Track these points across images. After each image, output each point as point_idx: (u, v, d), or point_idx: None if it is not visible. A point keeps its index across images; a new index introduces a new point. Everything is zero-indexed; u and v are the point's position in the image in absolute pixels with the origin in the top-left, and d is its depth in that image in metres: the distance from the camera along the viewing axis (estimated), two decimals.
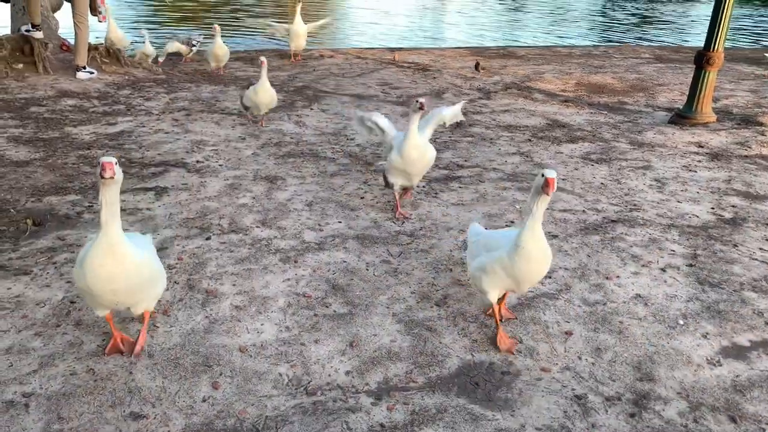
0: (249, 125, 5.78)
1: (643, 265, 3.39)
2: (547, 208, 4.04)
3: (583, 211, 4.11)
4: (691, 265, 3.42)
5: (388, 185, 3.88)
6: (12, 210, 3.70)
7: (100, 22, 7.50)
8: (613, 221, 3.96)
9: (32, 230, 3.47)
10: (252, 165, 4.70)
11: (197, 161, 4.72)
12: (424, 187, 4.41)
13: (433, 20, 20.29)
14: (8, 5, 7.98)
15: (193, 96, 6.76)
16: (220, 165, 4.66)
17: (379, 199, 4.15)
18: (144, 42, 8.21)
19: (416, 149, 3.60)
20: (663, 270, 3.35)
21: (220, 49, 7.88)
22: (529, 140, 5.69)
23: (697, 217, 4.09)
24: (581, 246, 3.58)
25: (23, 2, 7.74)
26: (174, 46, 8.52)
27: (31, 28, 7.29)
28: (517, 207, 4.10)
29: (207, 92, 6.98)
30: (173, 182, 4.27)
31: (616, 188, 4.54)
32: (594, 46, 13.82)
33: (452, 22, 19.61)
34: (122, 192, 4.04)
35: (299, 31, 8.94)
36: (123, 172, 4.35)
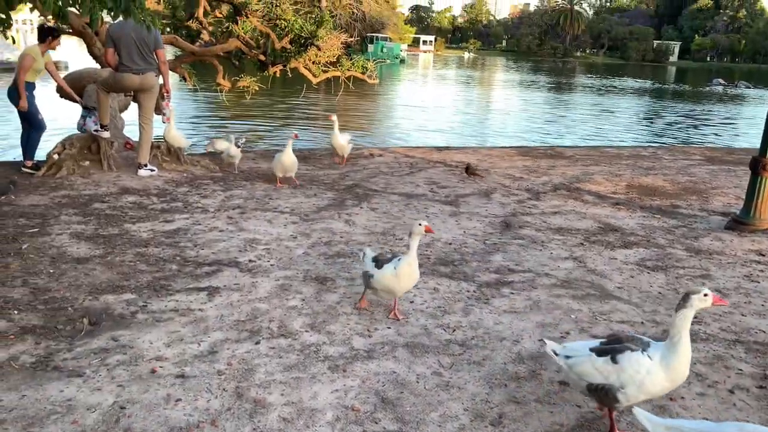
0: (301, 224, 5.88)
1: (709, 386, 3.20)
2: (605, 319, 3.92)
3: (642, 322, 3.96)
4: (761, 387, 3.21)
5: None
6: (70, 308, 3.78)
7: (163, 122, 7.92)
8: None
9: (87, 330, 3.52)
10: (302, 265, 4.74)
11: (249, 260, 4.79)
12: (474, 292, 4.35)
13: (479, 119, 20.76)
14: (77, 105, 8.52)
15: (248, 194, 6.96)
16: (271, 264, 4.71)
17: (429, 304, 4.10)
18: (230, 143, 8.38)
19: (410, 267, 3.66)
20: (731, 392, 3.16)
21: (288, 158, 7.35)
22: (582, 244, 5.61)
23: (764, 332, 3.89)
24: None
25: (94, 103, 8.27)
26: (222, 146, 8.66)
27: (99, 128, 7.75)
28: (572, 317, 3.98)
29: (261, 190, 7.18)
30: (226, 282, 4.33)
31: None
32: (643, 146, 13.84)
33: (499, 121, 20.03)
34: (176, 291, 4.12)
35: (337, 143, 9.11)
36: (177, 271, 4.48)
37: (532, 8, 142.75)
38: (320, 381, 3.08)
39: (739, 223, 6.27)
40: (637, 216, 6.78)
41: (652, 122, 21.61)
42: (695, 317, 3.98)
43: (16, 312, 3.69)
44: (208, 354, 3.31)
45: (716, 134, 19.11)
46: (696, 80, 56.06)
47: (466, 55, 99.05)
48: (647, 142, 16.30)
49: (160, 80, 7.87)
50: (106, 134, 7.78)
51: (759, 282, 4.75)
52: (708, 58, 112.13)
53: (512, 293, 4.36)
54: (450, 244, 5.48)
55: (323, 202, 6.81)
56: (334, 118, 8.94)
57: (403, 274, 3.64)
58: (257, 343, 3.45)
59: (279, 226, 5.76)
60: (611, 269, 4.94)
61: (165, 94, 7.68)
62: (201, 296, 4.06)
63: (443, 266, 4.86)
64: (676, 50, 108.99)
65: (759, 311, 4.20)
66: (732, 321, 4.04)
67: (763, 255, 5.43)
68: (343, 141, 9.13)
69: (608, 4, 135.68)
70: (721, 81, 47.51)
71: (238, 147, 8.96)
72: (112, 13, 4.17)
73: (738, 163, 10.89)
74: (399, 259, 3.70)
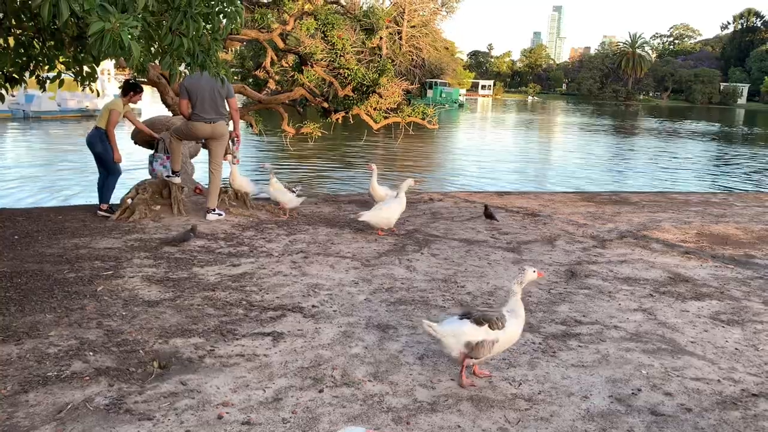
0: (362, 269, 5.92)
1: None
2: (678, 375, 3.76)
3: (718, 380, 3.78)
4: None
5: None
6: (141, 351, 3.90)
7: (231, 164, 8.19)
8: (754, 395, 3.59)
9: (157, 373, 3.62)
10: (364, 311, 4.76)
11: (312, 306, 4.84)
12: (540, 344, 4.26)
13: (540, 164, 20.59)
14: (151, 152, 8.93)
15: (311, 239, 7.08)
16: (334, 311, 4.75)
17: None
18: (295, 194, 8.60)
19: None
20: None
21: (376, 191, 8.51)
22: (651, 295, 5.42)
23: None
24: (720, 423, 3.25)
25: (165, 150, 8.65)
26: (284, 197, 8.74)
27: (171, 174, 8.08)
28: (643, 372, 3.83)
29: (323, 235, 7.29)
30: (290, 327, 4.38)
31: (753, 355, 4.17)
32: (713, 192, 13.39)
33: (560, 166, 19.80)
34: (242, 336, 4.20)
35: (377, 194, 8.90)
36: (243, 315, 4.56)
37: (592, 51, 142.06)
38: None
39: None
40: (708, 266, 6.52)
41: (720, 167, 20.93)
42: None
43: (91, 353, 3.83)
44: (273, 401, 3.34)
45: None
46: (767, 122, 54.13)
47: (530, 99, 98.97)
48: (717, 188, 15.76)
49: (231, 126, 8.20)
50: (177, 180, 8.11)
51: None
52: None
53: (580, 346, 4.24)
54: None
55: (384, 247, 6.85)
56: (374, 167, 8.93)
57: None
58: (321, 391, 3.46)
59: (341, 272, 5.82)
60: (683, 322, 4.75)
61: (235, 138, 7.99)
62: (266, 341, 4.12)
63: None
64: (745, 92, 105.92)
65: None
66: None
67: None
68: (382, 192, 8.80)
69: (671, 47, 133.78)
70: None
71: (293, 192, 9.05)
72: (190, 68, 4.41)
73: None
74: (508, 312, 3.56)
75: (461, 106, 63.57)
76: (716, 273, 6.24)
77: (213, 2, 4.23)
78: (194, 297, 4.97)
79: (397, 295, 5.19)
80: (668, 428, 3.19)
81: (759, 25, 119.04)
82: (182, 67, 4.52)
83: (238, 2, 4.39)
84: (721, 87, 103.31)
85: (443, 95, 62.83)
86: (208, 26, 4.33)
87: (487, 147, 25.25)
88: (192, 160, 10.32)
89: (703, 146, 29.65)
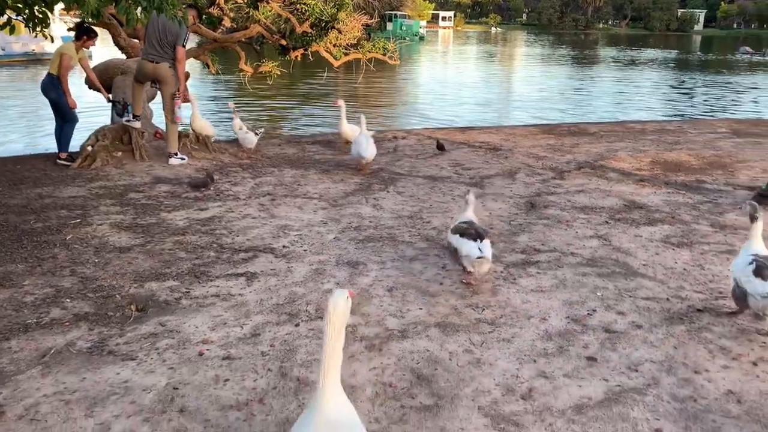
0: (330, 209, 6.04)
1: (733, 359, 3.31)
2: (630, 296, 4.03)
3: (667, 299, 4.07)
4: None
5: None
6: (117, 296, 4.00)
7: (174, 122, 7.97)
8: (698, 310, 3.89)
9: (136, 316, 3.73)
10: (334, 250, 4.91)
11: (283, 246, 4.97)
12: (502, 272, 4.48)
13: (501, 97, 20.68)
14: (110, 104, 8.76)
15: (277, 181, 7.14)
16: (304, 250, 4.89)
17: (458, 285, 4.24)
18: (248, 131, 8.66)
19: None
20: (755, 364, 3.26)
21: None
22: (607, 222, 5.69)
23: None
24: (667, 337, 3.53)
25: (123, 95, 8.48)
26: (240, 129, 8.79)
27: (131, 119, 7.96)
28: (598, 294, 4.10)
29: (289, 177, 7.35)
30: (262, 267, 4.51)
31: (699, 274, 4.47)
32: (668, 120, 13.73)
33: (521, 98, 19.93)
34: (216, 278, 4.32)
35: (346, 133, 8.92)
36: (216, 258, 4.67)
37: None
38: (358, 360, 3.26)
39: (765, 197, 6.29)
40: (662, 192, 6.82)
41: (677, 94, 21.33)
42: (719, 293, 4.06)
43: (68, 300, 3.91)
44: (251, 336, 3.50)
45: (742, 105, 18.82)
46: (722, 49, 54.84)
47: (493, 30, 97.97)
48: (673, 115, 16.14)
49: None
50: (137, 124, 7.99)
51: None
52: (735, 26, 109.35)
53: (539, 272, 4.48)
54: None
55: (350, 187, 6.96)
56: (341, 103, 8.96)
57: None
58: (297, 325, 3.63)
59: (309, 212, 5.93)
60: (636, 247, 5.03)
61: (176, 93, 7.69)
62: (240, 281, 4.25)
63: None
64: (702, 18, 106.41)
65: None
66: None
67: None
68: (350, 131, 8.75)
69: None
70: (748, 49, 46.41)
71: (257, 135, 9.02)
72: (146, 11, 4.35)
73: (764, 135, 10.81)
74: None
75: (422, 38, 62.58)
76: (668, 199, 6.54)
77: None
78: (165, 242, 5.04)
79: (365, 233, 5.35)
80: (620, 343, 3.46)
81: None
82: (138, 11, 4.44)
83: None
84: (679, 14, 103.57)
85: (403, 28, 61.71)
86: None
87: (449, 81, 25.17)
88: (150, 104, 10.14)
89: (661, 74, 30.04)
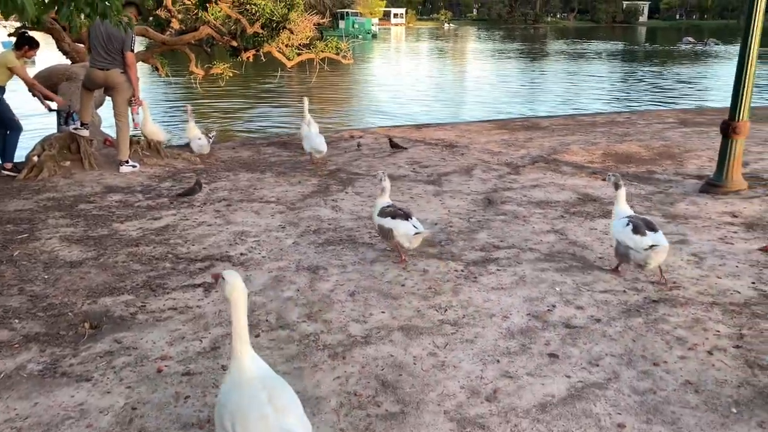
0: (288, 213, 5.97)
1: (689, 348, 3.39)
2: (588, 290, 4.09)
3: (624, 291, 4.14)
4: (738, 347, 3.41)
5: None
6: (70, 313, 3.87)
7: (134, 128, 7.88)
8: (654, 301, 3.97)
9: (90, 333, 3.61)
10: (294, 255, 4.85)
11: (241, 254, 4.88)
12: (463, 271, 4.50)
13: (456, 93, 20.81)
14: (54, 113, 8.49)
15: (232, 185, 7.02)
16: (263, 257, 4.81)
17: (420, 286, 4.24)
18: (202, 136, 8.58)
19: None
20: (710, 353, 3.35)
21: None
22: (562, 216, 5.77)
23: (739, 293, 4.09)
24: (625, 330, 3.59)
25: (70, 102, 8.22)
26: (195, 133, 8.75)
27: (79, 126, 7.72)
28: (557, 290, 4.15)
29: (245, 181, 7.24)
30: None
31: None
32: (617, 112, 14.03)
33: (475, 93, 20.10)
34: (172, 290, 4.22)
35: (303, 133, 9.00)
36: (171, 269, 4.56)
37: None
38: (322, 369, 3.22)
39: (713, 185, 6.48)
40: None
41: (625, 86, 21.84)
42: (674, 284, 4.15)
43: (17, 321, 3.76)
44: (211, 350, 3.42)
45: (688, 94, 19.39)
46: (666, 39, 56.38)
47: (446, 26, 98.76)
48: (621, 106, 16.51)
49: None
50: (85, 132, 7.76)
51: (733, 244, 4.95)
52: (677, 16, 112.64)
53: (498, 270, 4.51)
54: (436, 224, 5.62)
55: (308, 189, 6.89)
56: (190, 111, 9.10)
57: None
58: (257, 336, 3.57)
59: (266, 217, 5.85)
60: (592, 240, 5.11)
61: (132, 99, 7.54)
62: (197, 293, 4.16)
63: (431, 247, 5.00)
64: (646, 10, 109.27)
65: (733, 272, 4.40)
66: (708, 284, 4.23)
67: (736, 216, 5.63)
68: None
69: None
70: (691, 39, 47.87)
71: (210, 138, 8.92)
72: (89, 18, 4.20)
73: (709, 124, 11.13)
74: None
75: (374, 36, 62.60)
76: None
77: None
78: (118, 254, 4.90)
79: (324, 236, 5.30)
80: (580, 338, 3.51)
81: None
82: (82, 17, 4.29)
83: None
84: (624, 5, 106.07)
85: (356, 26, 61.55)
86: None
87: (404, 78, 25.22)
88: (98, 110, 9.85)
89: (610, 66, 30.71)
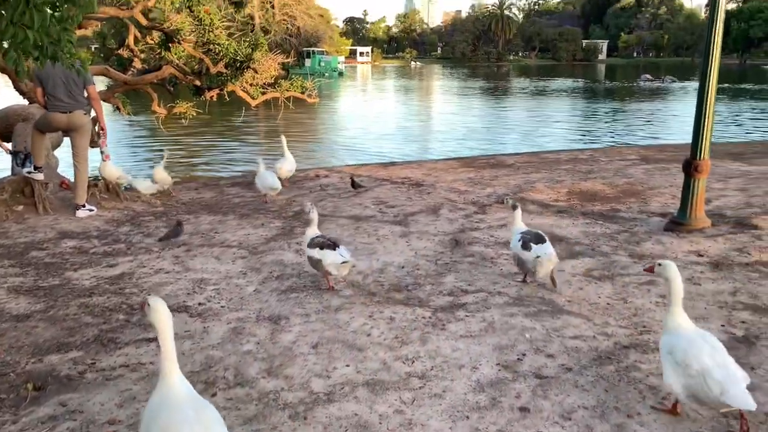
0: (250, 258, 5.79)
1: (663, 398, 3.29)
2: (558, 336, 3.99)
3: (594, 336, 4.05)
4: None
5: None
6: (12, 374, 3.61)
7: (104, 161, 7.70)
8: (625, 347, 3.89)
9: (33, 396, 3.37)
10: (254, 304, 4.66)
11: (199, 303, 4.68)
12: (430, 317, 4.36)
13: (421, 130, 20.96)
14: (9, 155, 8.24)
15: (193, 229, 6.82)
16: (222, 306, 4.62)
17: (386, 335, 4.09)
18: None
19: None
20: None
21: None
22: None
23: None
24: (597, 379, 3.48)
25: (23, 146, 7.97)
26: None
27: (32, 170, 7.46)
28: (527, 336, 4.04)
29: (206, 224, 7.05)
30: (176, 329, 4.17)
31: (623, 308, 4.50)
32: (580, 149, 14.24)
33: (440, 131, 20.25)
34: (125, 344, 3.99)
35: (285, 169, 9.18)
36: (125, 321, 4.34)
37: (464, 15, 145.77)
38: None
39: (677, 224, 6.50)
40: (580, 223, 6.94)
41: (587, 123, 22.28)
42: (644, 327, 4.08)
43: None
44: None
45: (648, 130, 19.84)
46: (625, 76, 58.14)
47: (413, 64, 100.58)
48: (584, 143, 16.78)
49: (94, 115, 7.66)
50: (39, 176, 7.51)
51: (700, 285, 4.93)
52: (635, 54, 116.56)
53: (467, 316, 4.39)
54: (403, 267, 5.49)
55: (271, 232, 6.72)
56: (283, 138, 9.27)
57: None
58: (214, 395, 3.36)
59: (227, 263, 5.65)
60: (560, 282, 5.03)
61: (100, 131, 7.45)
62: (151, 348, 3.94)
63: (397, 293, 4.87)
64: (605, 48, 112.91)
65: (703, 315, 4.35)
66: None
67: (702, 255, 5.64)
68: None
69: (537, 7, 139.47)
70: (649, 77, 49.40)
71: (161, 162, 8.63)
72: (38, 61, 4.04)
73: (670, 160, 11.32)
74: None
75: (341, 74, 63.21)
76: (587, 230, 6.66)
77: None
78: (69, 306, 4.65)
79: (287, 282, 5.13)
80: (551, 390, 3.38)
81: None
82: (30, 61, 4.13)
83: None
84: (584, 44, 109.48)
85: (322, 64, 62.15)
86: (56, 14, 3.98)
87: (370, 117, 25.36)
88: (56, 152, 9.59)
89: (571, 103, 31.42)
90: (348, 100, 35.89)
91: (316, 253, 4.74)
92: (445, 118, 24.56)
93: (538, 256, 4.69)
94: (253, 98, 11.90)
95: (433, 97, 37.66)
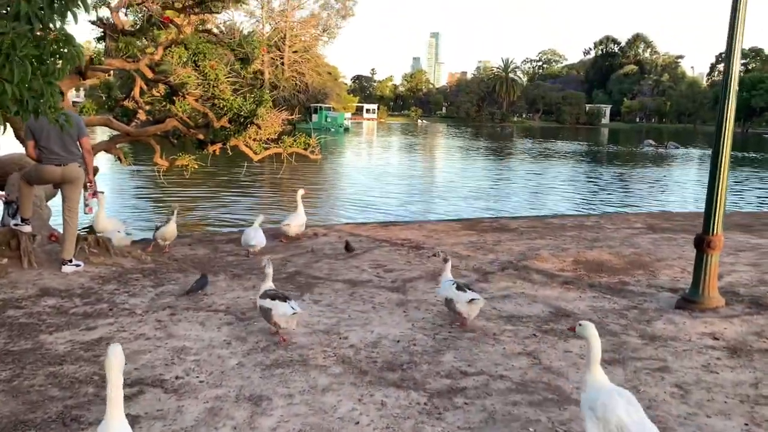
0: (236, 325, 5.46)
1: None
2: (565, 429, 3.63)
3: None
4: None
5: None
6: None
7: (86, 213, 7.46)
8: None
9: None
10: (236, 380, 4.31)
11: (176, 377, 4.33)
12: (425, 404, 4.00)
13: (424, 189, 20.82)
14: None
15: (180, 290, 6.50)
16: (200, 381, 4.26)
17: (377, 424, 3.72)
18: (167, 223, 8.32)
19: None
20: None
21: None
22: (534, 335, 5.36)
23: None
24: None
25: (15, 195, 7.75)
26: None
27: (20, 222, 7.22)
28: (531, 430, 3.67)
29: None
30: (148, 408, 3.85)
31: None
32: (585, 215, 14.00)
33: (443, 191, 20.09)
34: (88, 424, 3.63)
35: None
36: (94, 395, 3.99)
37: (469, 76, 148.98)
38: None
39: (689, 302, 6.17)
40: (587, 297, 6.62)
41: (592, 187, 22.15)
42: (659, 422, 3.72)
43: None
44: None
45: (653, 197, 19.67)
46: (628, 141, 58.64)
47: (419, 122, 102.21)
48: (589, 208, 16.57)
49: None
50: (27, 228, 7.25)
51: (718, 373, 4.57)
52: (637, 119, 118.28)
53: (466, 403, 4.02)
54: (398, 341, 5.15)
55: None
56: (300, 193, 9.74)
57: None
58: None
59: (212, 329, 5.32)
60: (567, 365, 4.68)
61: (88, 184, 7.21)
62: None
63: (391, 372, 4.51)
64: (608, 112, 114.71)
65: (723, 410, 3.99)
66: (698, 424, 3.80)
67: (717, 339, 5.29)
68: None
69: (541, 71, 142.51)
70: (652, 142, 49.74)
71: (169, 219, 8.39)
72: (19, 115, 3.83)
73: (677, 230, 11.06)
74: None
75: (347, 130, 63.92)
76: (595, 304, 6.33)
77: (45, 43, 3.69)
78: (36, 375, 4.31)
79: (273, 355, 4.78)
80: None
81: (617, 50, 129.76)
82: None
83: (77, 42, 3.88)
84: (587, 108, 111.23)
85: (328, 119, 62.95)
86: (42, 68, 3.80)
87: (373, 174, 25.32)
88: (49, 203, 9.38)
89: (575, 167, 31.44)
90: (352, 156, 36.02)
91: (266, 303, 4.99)
92: (449, 177, 24.49)
93: (472, 299, 5.35)
94: (255, 153, 11.76)
95: (437, 155, 37.81)
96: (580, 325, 3.54)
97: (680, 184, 24.11)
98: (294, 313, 4.90)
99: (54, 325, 5.35)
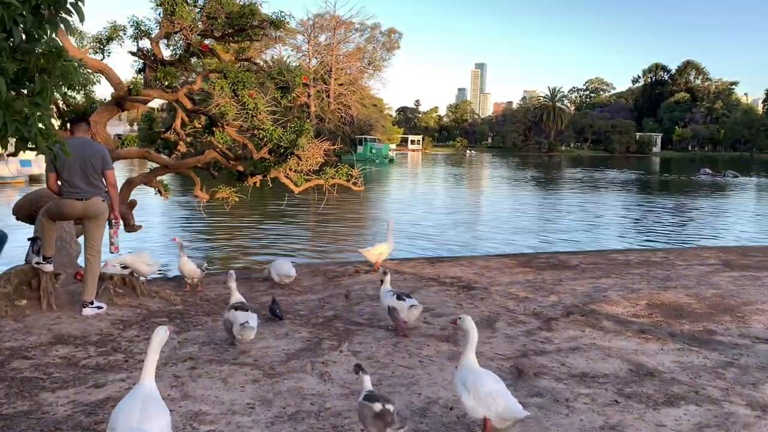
0: (262, 382, 4.72)
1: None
2: None
3: None
4: None
5: None
6: None
7: (111, 253, 6.92)
8: None
9: None
10: None
11: None
12: None
13: (472, 221, 19.94)
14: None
15: (206, 336, 5.85)
16: None
17: None
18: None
19: None
20: None
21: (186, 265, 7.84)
22: (616, 402, 4.45)
23: None
24: None
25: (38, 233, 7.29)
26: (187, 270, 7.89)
27: (41, 261, 6.72)
28: None
29: (222, 330, 6.06)
30: None
31: None
32: (651, 249, 12.92)
33: (492, 223, 19.15)
34: None
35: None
36: None
37: (515, 105, 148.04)
38: None
39: None
40: (670, 349, 5.67)
41: (651, 218, 20.85)
42: None
43: None
44: None
45: (719, 229, 18.31)
46: (682, 169, 56.50)
47: (467, 152, 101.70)
48: (652, 241, 15.41)
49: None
50: (48, 268, 6.75)
51: None
52: (689, 148, 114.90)
53: None
54: (451, 409, 4.32)
55: (295, 344, 5.68)
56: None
57: None
58: None
59: (235, 389, 4.60)
60: None
61: (113, 221, 6.70)
62: None
63: None
64: (659, 141, 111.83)
65: None
66: None
67: None
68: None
69: (588, 100, 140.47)
70: (709, 171, 47.62)
71: (203, 271, 8.01)
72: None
73: (759, 267, 9.94)
74: None
75: (392, 161, 63.63)
76: (681, 359, 5.38)
77: (30, 57, 3.11)
78: None
79: (302, 425, 4.01)
80: None
81: (666, 78, 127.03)
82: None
83: (70, 57, 3.29)
84: (637, 136, 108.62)
85: (373, 151, 62.81)
86: (28, 86, 3.22)
87: (419, 205, 24.58)
88: (79, 239, 8.95)
89: (629, 195, 30.07)
90: (397, 187, 35.41)
91: (231, 314, 5.43)
92: (497, 207, 23.55)
93: (412, 305, 5.89)
94: (296, 185, 11.21)
95: (483, 187, 36.86)
96: (460, 318, 4.09)
97: (747, 213, 22.58)
98: (244, 324, 5.29)
99: (59, 380, 4.72)
